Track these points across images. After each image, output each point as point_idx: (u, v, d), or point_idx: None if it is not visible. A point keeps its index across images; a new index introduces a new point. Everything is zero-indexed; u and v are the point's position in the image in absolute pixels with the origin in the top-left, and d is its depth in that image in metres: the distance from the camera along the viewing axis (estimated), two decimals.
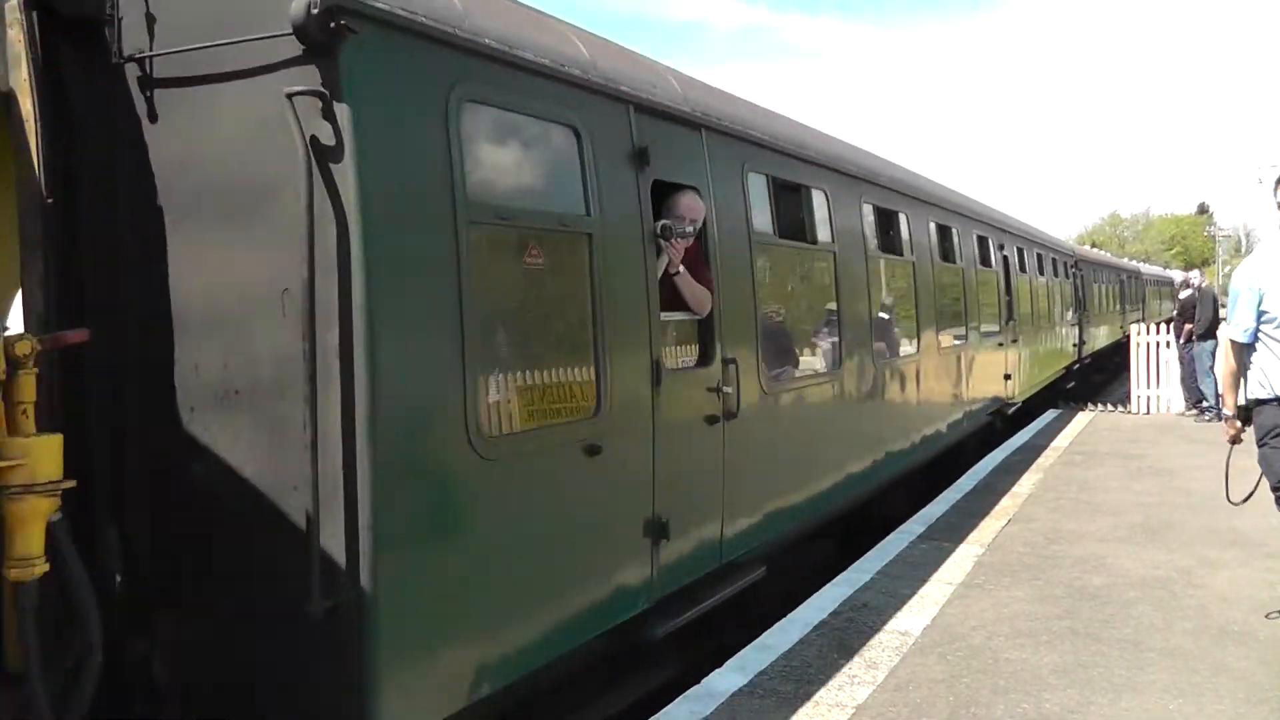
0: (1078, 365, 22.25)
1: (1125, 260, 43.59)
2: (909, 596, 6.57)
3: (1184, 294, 15.83)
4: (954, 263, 10.99)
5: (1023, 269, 15.21)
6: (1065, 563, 7.33)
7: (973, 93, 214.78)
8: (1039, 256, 17.12)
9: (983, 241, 12.69)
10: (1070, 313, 20.97)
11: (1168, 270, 58.87)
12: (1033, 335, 15.59)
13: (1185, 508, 9.10)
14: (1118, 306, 31.18)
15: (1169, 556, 7.47)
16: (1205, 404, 15.19)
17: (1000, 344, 13.06)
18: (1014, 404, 14.03)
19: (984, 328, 12.19)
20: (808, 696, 4.93)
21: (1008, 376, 13.48)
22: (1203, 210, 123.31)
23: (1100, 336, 26.61)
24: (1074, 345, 21.40)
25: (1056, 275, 19.25)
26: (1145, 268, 46.59)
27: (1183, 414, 15.89)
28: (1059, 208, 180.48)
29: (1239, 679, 5.11)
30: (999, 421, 13.47)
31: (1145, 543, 7.89)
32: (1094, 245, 55.93)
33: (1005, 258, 13.87)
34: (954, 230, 11.04)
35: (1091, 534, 8.20)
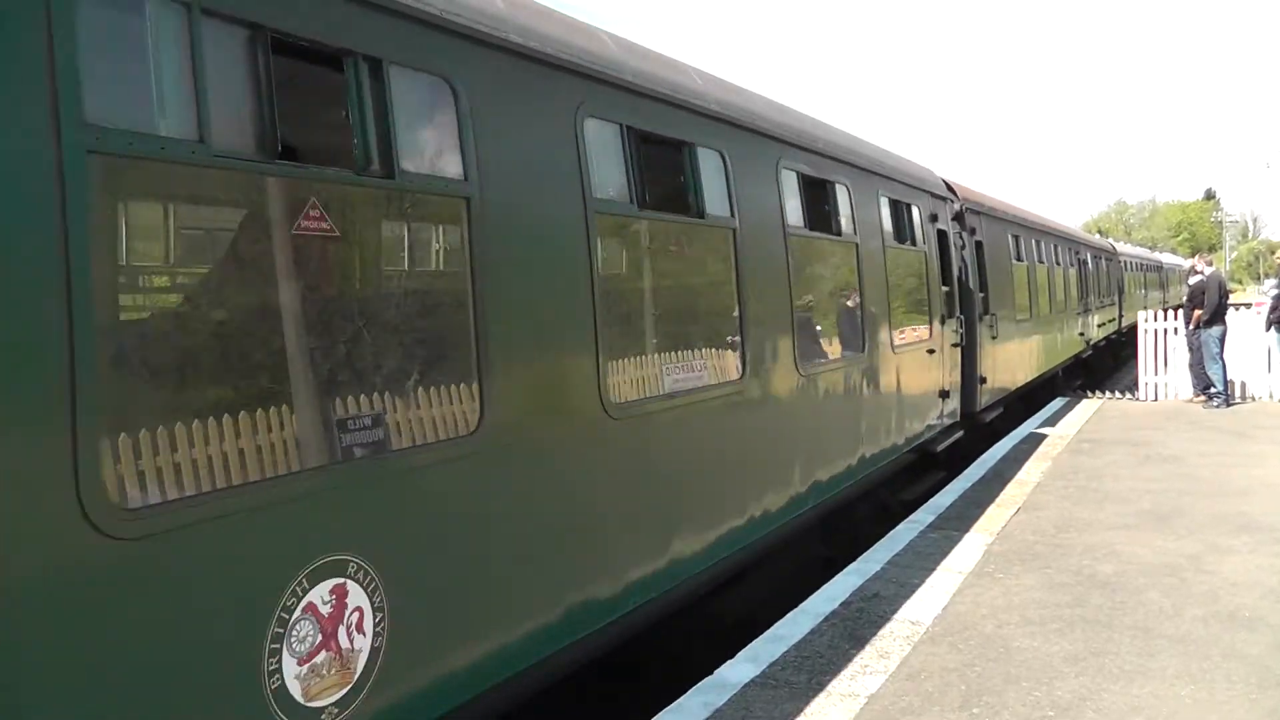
0: (958, 436, 10.92)
1: (1093, 235, 32.16)
2: (919, 586, 6.59)
3: (1192, 280, 15.79)
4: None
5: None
6: (1075, 550, 7.35)
7: (977, 82, 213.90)
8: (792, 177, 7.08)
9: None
10: (939, 323, 10.27)
11: (1157, 253, 50.48)
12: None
13: (1194, 494, 9.11)
14: (1074, 302, 19.94)
15: (1178, 543, 7.48)
16: (1213, 390, 15.18)
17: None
18: None
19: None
20: (820, 687, 4.96)
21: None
22: (1209, 196, 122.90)
23: (1029, 361, 15.35)
24: (941, 395, 10.30)
25: (865, 237, 8.23)
26: (1124, 247, 34.94)
27: (1190, 400, 15.87)
28: (1065, 196, 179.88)
29: (1250, 664, 5.12)
30: None
31: (1154, 529, 7.90)
32: (1100, 233, 53.17)
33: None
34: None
35: (1100, 521, 8.21)
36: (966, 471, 10.60)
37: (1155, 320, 17.09)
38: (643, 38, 5.70)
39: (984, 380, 12.14)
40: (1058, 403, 16.57)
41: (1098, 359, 23.49)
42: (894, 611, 6.09)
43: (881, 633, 5.72)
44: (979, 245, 12.57)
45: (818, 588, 6.61)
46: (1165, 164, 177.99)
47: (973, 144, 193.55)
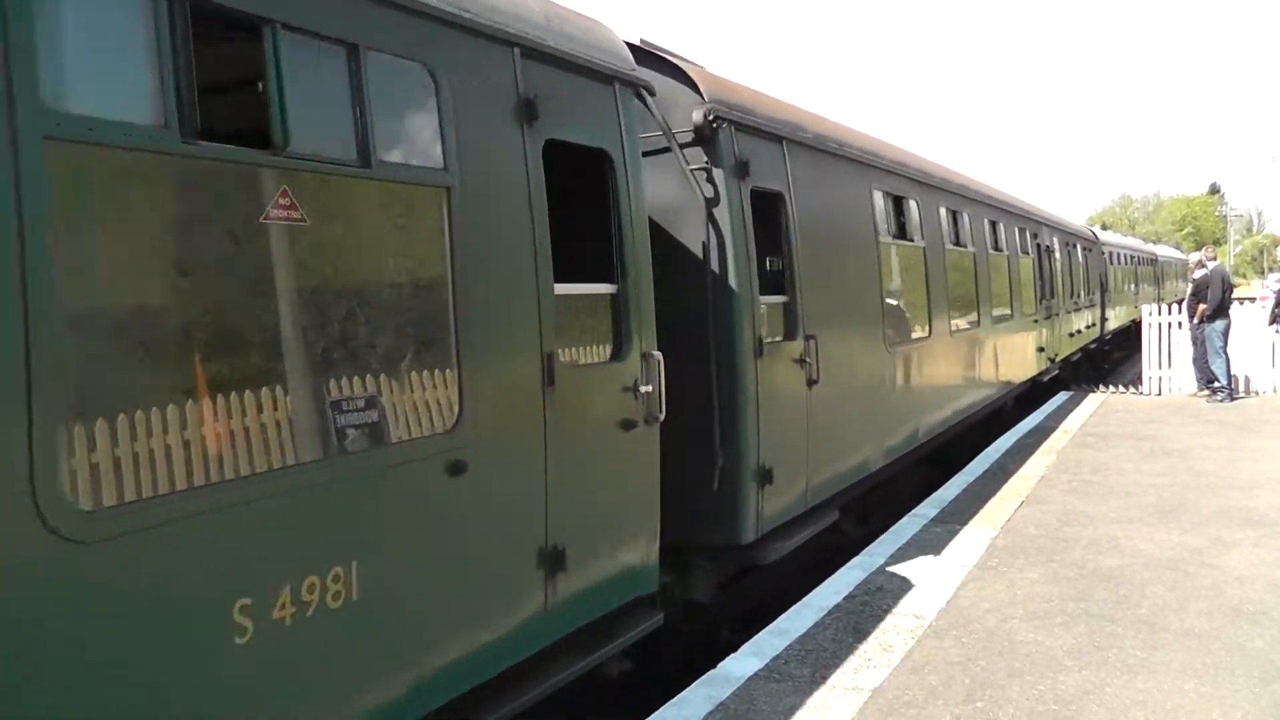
0: (640, 630, 4.85)
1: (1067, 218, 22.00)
2: (923, 580, 6.59)
3: (1197, 274, 15.76)
4: None
5: None
6: (1079, 544, 7.34)
7: (981, 76, 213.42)
8: None
9: None
10: (541, 379, 4.15)
11: (1152, 244, 45.20)
12: None
13: (1198, 488, 9.10)
14: (1029, 305, 14.30)
15: (1182, 537, 7.47)
16: (1217, 384, 15.15)
17: None
18: None
19: None
20: (824, 680, 4.97)
21: None
22: (1214, 190, 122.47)
23: (921, 410, 9.17)
24: (541, 565, 4.05)
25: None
26: (1109, 235, 28.52)
27: (1195, 395, 15.85)
28: (1069, 191, 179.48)
29: (1254, 658, 5.12)
30: None
31: (1158, 523, 7.89)
32: (1104, 227, 52.21)
33: None
34: None
35: (1105, 515, 8.20)
36: (970, 465, 10.59)
37: (1159, 314, 17.06)
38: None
39: (769, 478, 6.10)
40: (1061, 397, 16.54)
41: (1069, 372, 18.42)
42: (897, 605, 6.09)
43: (885, 626, 5.73)
44: (770, 200, 6.50)
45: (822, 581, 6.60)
46: (1170, 158, 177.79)
47: (976, 139, 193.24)
